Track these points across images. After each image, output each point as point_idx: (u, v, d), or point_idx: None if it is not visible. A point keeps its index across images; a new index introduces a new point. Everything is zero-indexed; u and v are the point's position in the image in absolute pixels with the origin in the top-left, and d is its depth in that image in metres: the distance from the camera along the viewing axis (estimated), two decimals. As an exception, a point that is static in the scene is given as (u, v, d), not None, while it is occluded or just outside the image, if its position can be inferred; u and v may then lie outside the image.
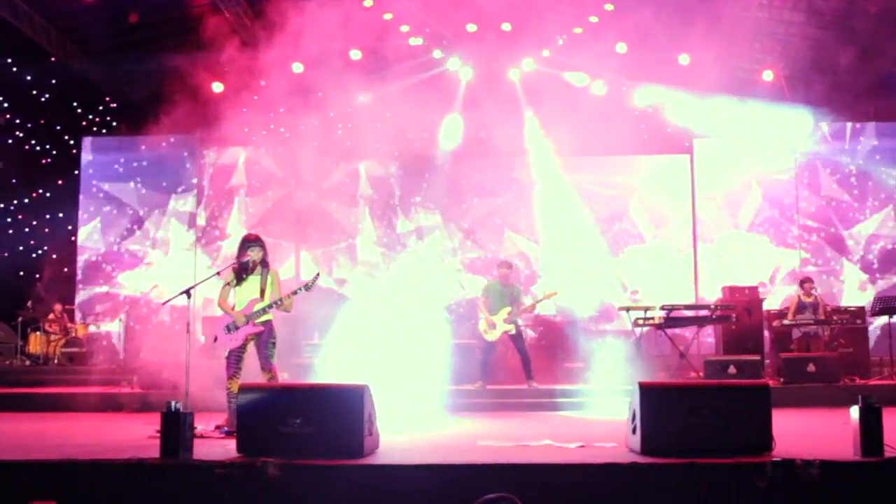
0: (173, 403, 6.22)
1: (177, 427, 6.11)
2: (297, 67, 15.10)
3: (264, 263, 8.49)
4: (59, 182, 17.40)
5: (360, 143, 16.42)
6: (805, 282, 13.33)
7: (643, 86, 15.98)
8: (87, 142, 17.67)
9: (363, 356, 11.04)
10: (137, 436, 7.74)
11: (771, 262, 16.82)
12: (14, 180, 16.77)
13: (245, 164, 17.58)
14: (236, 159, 17.63)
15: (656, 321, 12.38)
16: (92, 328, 16.07)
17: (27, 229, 16.89)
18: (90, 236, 17.44)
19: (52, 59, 15.94)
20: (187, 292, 7.96)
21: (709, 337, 14.92)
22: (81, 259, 17.35)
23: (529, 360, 12.05)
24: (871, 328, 13.72)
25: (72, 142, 17.55)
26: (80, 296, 17.19)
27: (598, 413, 10.31)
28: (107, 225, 17.45)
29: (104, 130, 17.73)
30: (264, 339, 8.33)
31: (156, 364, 11.73)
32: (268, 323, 8.36)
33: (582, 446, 6.93)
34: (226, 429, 7.90)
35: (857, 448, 6.02)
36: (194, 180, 17.54)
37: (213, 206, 17.63)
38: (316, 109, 15.31)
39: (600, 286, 16.81)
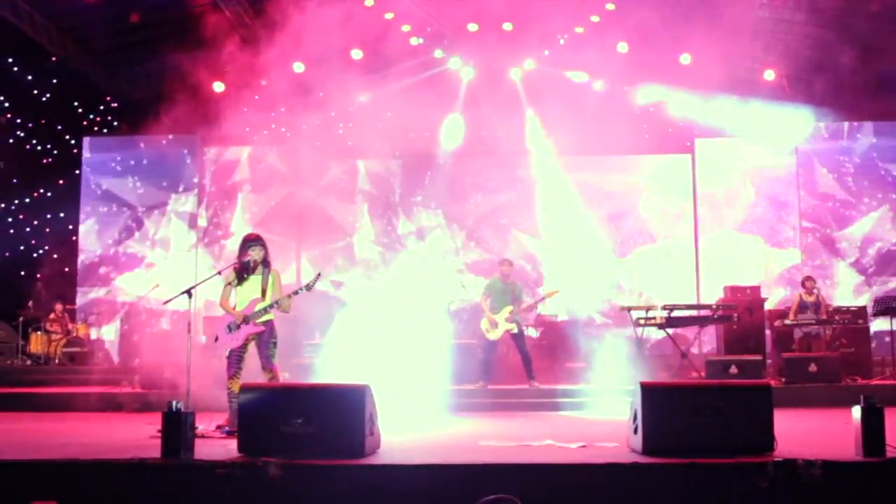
0: (174, 403, 6.21)
1: (178, 427, 6.10)
2: (298, 67, 15.10)
3: (266, 263, 8.48)
4: (60, 182, 17.41)
5: (362, 142, 16.41)
6: (807, 280, 13.31)
7: (644, 85, 15.97)
8: (87, 141, 17.62)
9: (364, 356, 11.03)
10: (138, 435, 7.73)
11: (770, 262, 16.77)
12: (15, 180, 16.79)
13: (248, 162, 17.54)
14: (238, 158, 17.61)
15: (658, 321, 12.36)
16: (93, 333, 16.04)
17: (28, 229, 16.92)
18: (91, 236, 17.39)
19: (53, 58, 15.94)
20: (188, 292, 7.97)
21: (706, 336, 14.89)
22: (82, 259, 17.32)
23: (531, 359, 12.04)
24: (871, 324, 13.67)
25: (72, 141, 17.55)
26: (80, 298, 17.12)
27: (600, 413, 10.29)
28: (107, 225, 17.40)
29: (105, 130, 17.71)
30: (265, 338, 8.32)
31: (157, 364, 11.73)
32: (269, 323, 8.35)
33: (583, 446, 6.92)
34: (227, 429, 7.90)
35: (858, 448, 6.00)
36: (195, 179, 17.50)
37: (216, 205, 17.60)
38: (317, 109, 15.31)
39: (608, 287, 16.81)
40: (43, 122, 16.99)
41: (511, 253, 16.06)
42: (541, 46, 15.91)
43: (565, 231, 16.76)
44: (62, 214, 17.42)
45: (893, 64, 15.38)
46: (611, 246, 17.14)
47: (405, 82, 15.56)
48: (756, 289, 14.05)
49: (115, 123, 17.69)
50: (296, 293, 8.48)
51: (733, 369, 11.38)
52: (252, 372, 8.43)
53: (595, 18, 15.31)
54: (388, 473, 5.93)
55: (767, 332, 13.76)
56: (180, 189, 17.47)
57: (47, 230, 17.09)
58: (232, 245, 16.43)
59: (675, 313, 12.52)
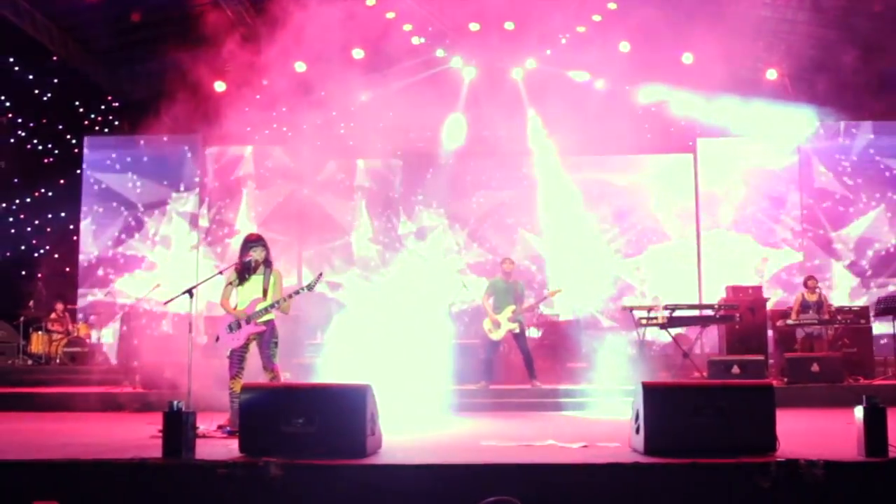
0: (175, 403, 6.20)
1: (179, 427, 6.09)
2: (300, 66, 15.10)
3: (267, 263, 8.47)
4: (61, 181, 17.40)
5: (363, 141, 16.40)
6: (809, 280, 13.30)
7: (646, 85, 15.95)
8: (88, 141, 17.60)
9: (365, 356, 11.02)
10: (139, 435, 7.73)
11: (771, 262, 16.74)
12: (16, 179, 16.79)
13: (250, 161, 17.51)
14: (239, 157, 17.59)
15: (660, 321, 12.35)
16: (93, 336, 16.02)
17: (29, 229, 16.91)
18: (91, 235, 17.36)
19: (54, 58, 15.92)
20: (189, 292, 7.96)
21: (707, 336, 14.88)
22: (83, 258, 17.29)
23: (532, 359, 12.02)
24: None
25: (73, 141, 17.54)
26: (80, 299, 17.06)
27: (601, 413, 10.28)
28: (108, 224, 17.37)
29: (106, 129, 17.69)
30: (266, 338, 8.31)
31: (157, 364, 11.72)
32: (270, 322, 8.34)
33: (585, 446, 6.91)
34: (228, 428, 7.89)
35: (861, 448, 5.99)
36: (196, 178, 17.48)
37: (218, 204, 17.56)
38: (318, 108, 15.30)
39: (608, 286, 16.80)
40: (44, 121, 16.98)
41: (514, 253, 16.08)
42: (542, 46, 15.90)
43: (568, 231, 16.75)
44: (63, 214, 17.41)
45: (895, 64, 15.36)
46: (613, 246, 17.12)
47: (406, 82, 15.55)
48: (758, 289, 14.04)
49: (116, 123, 17.68)
50: (297, 293, 8.47)
51: (735, 369, 11.37)
52: (253, 372, 8.43)
53: (597, 18, 15.30)
54: (390, 473, 5.91)
55: (769, 331, 13.73)
56: (181, 188, 17.44)
57: (48, 230, 17.08)
58: (234, 244, 16.42)
59: (677, 313, 12.50)
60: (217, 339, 8.45)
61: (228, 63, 14.37)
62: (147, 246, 17.25)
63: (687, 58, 15.50)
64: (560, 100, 15.02)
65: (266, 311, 8.29)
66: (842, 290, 16.40)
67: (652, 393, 6.35)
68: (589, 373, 12.29)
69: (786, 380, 11.63)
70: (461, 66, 16.15)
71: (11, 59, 16.10)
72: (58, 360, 14.91)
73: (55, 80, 16.61)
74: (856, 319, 13.00)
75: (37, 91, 16.68)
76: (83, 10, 15.17)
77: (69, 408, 11.05)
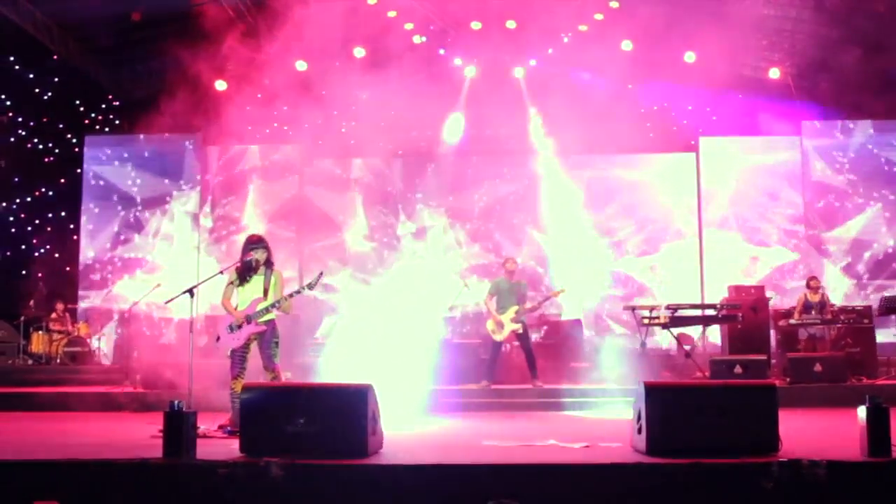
0: (176, 403, 6.18)
1: (180, 426, 6.07)
2: (301, 65, 15.09)
3: (268, 263, 8.45)
4: (62, 181, 17.39)
5: (364, 139, 16.38)
6: (812, 280, 13.27)
7: (648, 83, 15.92)
8: (89, 140, 17.53)
9: (367, 356, 11.01)
10: (140, 435, 7.71)
11: (771, 262, 16.70)
12: (16, 179, 16.78)
13: (251, 161, 17.43)
14: (241, 157, 17.53)
15: (662, 320, 12.32)
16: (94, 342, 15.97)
17: (29, 228, 16.90)
18: (92, 235, 17.27)
19: (55, 57, 15.91)
20: (190, 291, 7.94)
21: (710, 338, 14.87)
22: (83, 258, 17.22)
23: (534, 358, 11.99)
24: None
25: (74, 140, 17.50)
26: (81, 299, 16.99)
27: (603, 413, 10.25)
28: (109, 224, 17.26)
29: (107, 128, 17.67)
30: (267, 338, 8.29)
31: (157, 364, 11.71)
32: (270, 322, 8.32)
33: (587, 446, 6.90)
34: (229, 428, 7.87)
35: (864, 448, 5.97)
36: (198, 177, 17.41)
37: (220, 203, 17.46)
38: (319, 106, 15.28)
39: (607, 286, 16.80)
40: (44, 120, 16.98)
41: (514, 252, 16.03)
42: (544, 44, 15.88)
43: (570, 230, 16.73)
44: (64, 214, 17.40)
45: (898, 63, 15.34)
46: (613, 245, 17.09)
47: (408, 80, 15.53)
48: (760, 288, 14.01)
49: (117, 122, 17.67)
50: (297, 292, 8.45)
51: (738, 369, 11.34)
52: (253, 371, 8.41)
53: (599, 16, 15.28)
54: (391, 473, 5.90)
55: (772, 331, 13.71)
56: (183, 187, 17.31)
57: (48, 229, 17.08)
58: (241, 241, 16.34)
59: (680, 313, 12.47)
60: (218, 339, 8.43)
61: (229, 62, 14.36)
62: (148, 245, 17.14)
63: (689, 56, 15.47)
64: (562, 99, 14.99)
65: (267, 310, 8.27)
66: (842, 288, 16.34)
67: (654, 393, 6.33)
68: (591, 373, 12.28)
69: (788, 380, 11.61)
70: (462, 65, 16.13)
71: (12, 58, 16.10)
72: (58, 360, 14.90)
73: (56, 79, 16.61)
74: (858, 319, 12.97)
75: (37, 90, 16.68)
76: (84, 9, 15.14)
77: (69, 408, 11.04)
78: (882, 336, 14.11)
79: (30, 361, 15.05)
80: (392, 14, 15.06)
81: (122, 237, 17.14)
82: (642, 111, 16.20)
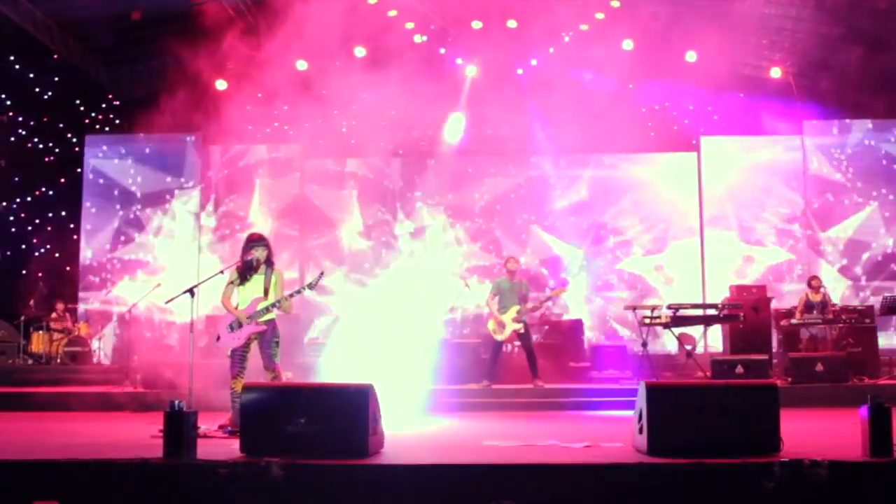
0: (177, 402, 6.17)
1: (180, 426, 6.06)
2: (302, 64, 15.08)
3: (269, 263, 8.43)
4: (62, 180, 17.37)
5: (364, 139, 16.36)
6: (813, 280, 13.26)
7: (650, 83, 15.90)
8: (90, 140, 17.49)
9: (366, 356, 11.00)
10: (140, 435, 7.70)
11: (772, 261, 16.67)
12: (17, 178, 16.76)
13: (251, 160, 17.39)
14: (242, 156, 17.50)
15: (663, 320, 12.31)
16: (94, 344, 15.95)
17: (30, 228, 16.89)
18: (92, 234, 17.22)
19: (55, 56, 15.89)
20: (190, 291, 7.93)
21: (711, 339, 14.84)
22: (83, 258, 17.17)
23: (535, 358, 11.96)
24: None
25: (74, 140, 17.47)
26: (81, 299, 16.96)
27: (604, 413, 10.25)
28: (109, 223, 17.22)
29: (107, 128, 17.64)
30: (267, 338, 8.27)
31: (158, 364, 11.70)
32: (271, 322, 8.30)
33: (588, 446, 6.89)
34: (229, 428, 7.86)
35: (865, 448, 5.96)
36: (199, 177, 17.36)
37: (221, 203, 17.41)
38: (320, 106, 15.27)
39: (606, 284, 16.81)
40: (44, 120, 16.96)
41: (516, 251, 16.01)
42: (545, 44, 15.85)
43: (572, 230, 16.72)
44: (64, 213, 17.37)
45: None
46: (618, 245, 17.06)
47: (408, 80, 15.50)
48: (762, 288, 14.01)
49: (117, 121, 17.63)
50: (299, 291, 8.44)
51: (739, 369, 11.34)
52: (254, 371, 8.40)
53: (600, 16, 15.26)
54: (392, 473, 5.90)
55: (774, 331, 13.70)
56: (184, 185, 17.22)
57: (48, 229, 17.05)
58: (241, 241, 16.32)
59: (681, 312, 12.46)
60: (218, 338, 8.41)
61: (229, 61, 14.35)
62: (149, 244, 17.07)
63: (690, 56, 15.45)
64: (563, 98, 14.97)
65: (267, 310, 8.25)
66: (840, 289, 16.30)
67: (655, 393, 6.33)
68: (592, 372, 12.27)
69: (790, 379, 11.59)
70: (463, 64, 16.11)
71: (12, 58, 16.09)
72: (58, 360, 14.88)
73: (56, 79, 16.59)
74: (860, 319, 12.96)
75: (37, 89, 16.66)
76: (84, 9, 15.13)
77: (69, 408, 11.04)
78: (884, 336, 14.07)
79: (30, 361, 15.03)
80: (392, 13, 15.05)
81: (123, 236, 17.07)
82: (643, 110, 16.18)
